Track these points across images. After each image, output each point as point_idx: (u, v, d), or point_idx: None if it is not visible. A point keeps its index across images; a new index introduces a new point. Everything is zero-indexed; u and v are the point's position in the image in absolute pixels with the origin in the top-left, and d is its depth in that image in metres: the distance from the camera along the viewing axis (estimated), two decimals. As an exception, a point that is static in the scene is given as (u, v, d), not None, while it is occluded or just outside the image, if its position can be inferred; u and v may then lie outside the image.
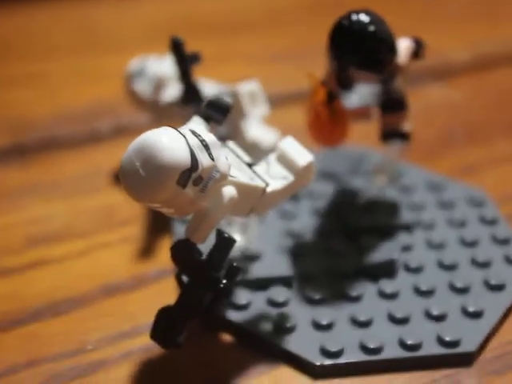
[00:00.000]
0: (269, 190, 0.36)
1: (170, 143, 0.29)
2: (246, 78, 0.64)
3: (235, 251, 0.41)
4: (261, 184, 0.35)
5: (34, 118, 0.60)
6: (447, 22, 0.79)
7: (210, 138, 0.32)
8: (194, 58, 0.43)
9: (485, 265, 0.43)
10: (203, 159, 0.30)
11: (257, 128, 0.46)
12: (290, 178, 0.36)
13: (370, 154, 0.51)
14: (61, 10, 0.79)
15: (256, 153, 0.45)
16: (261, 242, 0.42)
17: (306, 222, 0.45)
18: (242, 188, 0.34)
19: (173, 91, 0.46)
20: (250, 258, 0.41)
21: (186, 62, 0.43)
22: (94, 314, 0.40)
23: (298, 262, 0.42)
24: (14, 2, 0.79)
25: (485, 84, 0.66)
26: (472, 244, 0.44)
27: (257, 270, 0.41)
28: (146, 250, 0.45)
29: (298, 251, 0.43)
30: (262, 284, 0.40)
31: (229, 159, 0.34)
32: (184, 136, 0.30)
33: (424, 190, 0.49)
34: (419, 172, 0.51)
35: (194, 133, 0.31)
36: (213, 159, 0.31)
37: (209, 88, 0.46)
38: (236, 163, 0.35)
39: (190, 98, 0.44)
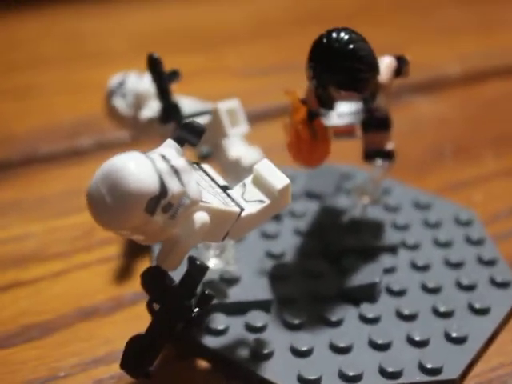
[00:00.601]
0: (244, 214, 0.35)
1: (137, 169, 0.29)
2: (232, 91, 0.64)
3: (213, 274, 0.40)
4: (235, 209, 0.34)
5: (16, 133, 0.58)
6: (437, 35, 0.78)
7: (180, 162, 0.31)
8: (173, 76, 0.42)
9: (469, 288, 0.41)
10: (172, 185, 0.30)
11: (238, 146, 0.45)
12: (266, 201, 0.35)
13: (355, 172, 0.50)
14: (48, 22, 0.78)
15: (238, 172, 0.44)
16: (240, 264, 0.41)
17: (287, 242, 0.44)
18: (214, 213, 0.33)
19: (152, 108, 0.45)
20: (228, 281, 0.40)
21: (163, 79, 0.42)
22: (69, 338, 0.39)
23: (278, 284, 0.41)
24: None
25: (475, 97, 0.66)
26: (457, 265, 0.43)
27: (235, 294, 0.40)
28: (124, 272, 0.44)
29: (278, 273, 0.42)
30: (239, 308, 0.39)
31: (202, 183, 0.34)
32: (152, 161, 0.29)
33: (410, 209, 0.48)
34: (406, 190, 0.50)
35: (163, 157, 0.30)
36: (183, 185, 0.30)
37: (188, 105, 0.45)
38: (209, 187, 0.34)
39: (169, 116, 0.43)
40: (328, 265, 0.42)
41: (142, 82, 0.46)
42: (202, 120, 0.43)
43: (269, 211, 0.36)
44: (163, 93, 0.42)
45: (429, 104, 0.64)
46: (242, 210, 0.34)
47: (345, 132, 0.44)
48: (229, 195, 0.35)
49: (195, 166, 0.35)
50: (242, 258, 0.42)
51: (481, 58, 0.73)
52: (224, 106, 0.42)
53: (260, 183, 0.36)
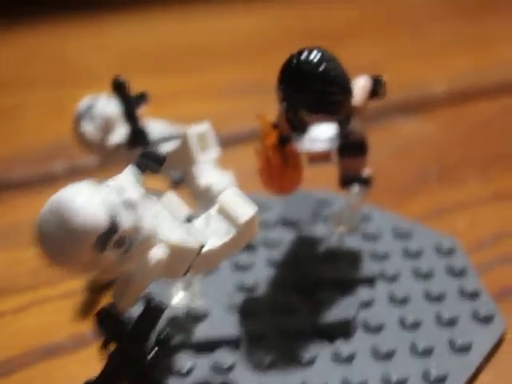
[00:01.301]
0: (206, 248, 0.33)
1: (85, 204, 0.27)
2: (211, 112, 0.62)
3: (178, 310, 0.38)
4: (196, 243, 0.32)
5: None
6: (424, 51, 0.77)
7: (135, 194, 0.29)
8: (140, 99, 0.40)
9: (450, 322, 0.39)
10: (125, 220, 0.28)
11: (209, 172, 0.43)
12: (232, 233, 0.33)
13: (332, 198, 0.48)
14: (30, 43, 0.77)
15: (209, 199, 0.42)
16: (208, 299, 0.39)
17: (260, 274, 0.42)
18: (173, 249, 0.31)
19: (121, 133, 0.43)
20: (195, 317, 0.38)
21: (130, 103, 0.40)
22: (29, 377, 0.37)
23: (248, 320, 0.39)
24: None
25: (462, 118, 0.64)
26: (438, 298, 0.41)
27: (201, 331, 0.38)
28: (89, 307, 0.42)
29: (249, 308, 0.40)
30: (206, 346, 0.37)
31: (162, 215, 0.32)
32: (104, 193, 0.28)
33: (390, 237, 0.46)
34: (386, 216, 0.48)
35: (118, 189, 0.29)
36: (137, 219, 0.28)
37: (159, 129, 0.43)
38: (171, 219, 0.32)
39: (137, 141, 0.41)
40: (302, 298, 0.40)
41: (110, 106, 0.44)
42: (172, 145, 0.41)
43: (235, 244, 0.34)
44: (130, 117, 0.41)
45: (413, 125, 0.62)
46: (204, 243, 0.32)
47: (320, 157, 0.42)
48: (192, 227, 0.33)
49: (158, 194, 0.33)
50: (210, 292, 0.40)
51: (470, 76, 0.71)
52: (194, 130, 0.40)
53: (225, 213, 0.34)
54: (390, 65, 0.70)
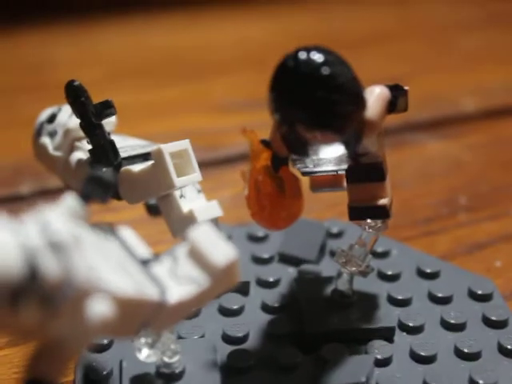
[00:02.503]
0: (170, 300, 0.25)
1: None
2: (209, 127, 0.55)
3: (148, 367, 0.31)
4: (152, 295, 0.25)
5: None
6: (453, 64, 0.70)
7: (66, 233, 0.22)
8: (103, 109, 0.33)
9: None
10: (50, 267, 0.21)
11: (190, 199, 0.35)
12: (204, 281, 0.26)
13: (344, 228, 0.41)
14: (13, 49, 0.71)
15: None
16: (184, 354, 0.31)
17: (251, 321, 0.35)
18: (122, 302, 0.23)
19: (85, 149, 0.36)
20: (167, 376, 0.31)
21: (88, 113, 0.33)
22: None
23: (233, 380, 0.31)
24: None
25: (494, 137, 0.57)
26: (471, 356, 0.33)
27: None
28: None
29: (235, 366, 0.32)
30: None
31: (112, 258, 0.25)
32: (22, 235, 0.21)
33: (413, 279, 0.38)
34: (408, 253, 0.40)
35: (42, 227, 0.22)
36: (68, 266, 0.21)
37: (131, 147, 0.36)
38: (123, 262, 0.25)
39: (97, 159, 0.34)
40: (302, 355, 0.33)
41: (74, 117, 0.36)
42: (143, 166, 0.34)
43: (207, 295, 0.26)
44: (90, 131, 0.33)
45: (439, 145, 0.55)
46: (164, 294, 0.25)
47: (325, 183, 0.34)
48: (150, 273, 0.25)
49: (108, 231, 0.26)
50: (187, 346, 0.32)
51: (503, 92, 0.64)
52: (169, 148, 0.33)
53: (197, 256, 0.26)
54: (414, 78, 0.63)
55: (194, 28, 0.77)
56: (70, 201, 0.24)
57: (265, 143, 0.31)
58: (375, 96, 0.30)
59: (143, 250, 0.27)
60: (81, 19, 0.76)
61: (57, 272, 0.21)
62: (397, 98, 0.31)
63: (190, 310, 0.27)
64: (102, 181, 0.25)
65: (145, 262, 0.26)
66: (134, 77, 0.65)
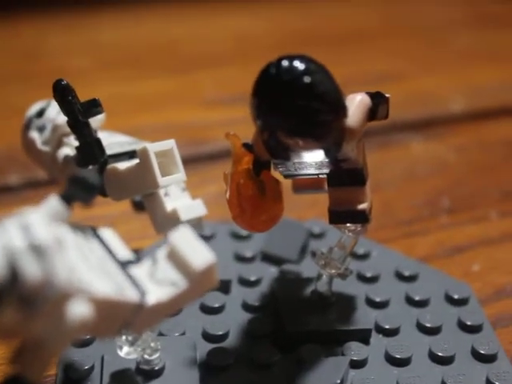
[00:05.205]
0: (149, 302, 0.26)
1: None
2: (201, 121, 0.55)
3: (127, 363, 0.31)
4: (131, 296, 0.25)
5: None
6: (440, 64, 0.70)
7: (47, 236, 0.22)
8: (90, 107, 0.33)
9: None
10: (30, 270, 0.21)
11: (174, 198, 0.36)
12: (182, 284, 0.27)
13: (326, 229, 0.41)
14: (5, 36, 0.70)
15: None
16: (164, 351, 0.32)
17: (231, 319, 0.35)
18: (101, 303, 0.24)
19: (73, 146, 0.36)
20: (146, 373, 0.31)
21: (75, 111, 0.33)
22: None
23: (212, 378, 0.32)
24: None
25: (481, 138, 0.57)
26: (446, 360, 0.34)
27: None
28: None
29: (214, 363, 0.32)
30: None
31: (92, 259, 0.25)
32: (2, 235, 0.22)
33: (391, 281, 0.39)
34: (387, 255, 0.41)
35: (24, 229, 0.22)
36: (48, 268, 0.22)
37: (119, 144, 0.36)
38: (103, 264, 0.26)
39: (85, 157, 0.34)
40: (279, 354, 0.33)
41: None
42: (128, 164, 0.34)
43: (185, 297, 0.27)
44: (76, 128, 0.34)
45: (423, 145, 0.55)
46: (144, 296, 0.25)
47: (307, 185, 0.35)
48: (129, 275, 0.26)
49: (88, 232, 0.27)
50: (167, 343, 0.33)
51: (492, 92, 0.64)
52: (154, 147, 0.33)
53: (176, 259, 0.27)
54: (401, 76, 0.63)
55: (186, 21, 0.77)
56: (52, 202, 0.25)
57: (247, 147, 0.31)
58: (356, 104, 0.31)
59: (124, 252, 0.27)
60: (73, 8, 0.75)
61: (37, 275, 0.22)
62: (377, 106, 0.32)
63: (168, 311, 0.27)
64: (86, 182, 0.25)
65: (125, 264, 0.27)
66: (124, 67, 0.65)
